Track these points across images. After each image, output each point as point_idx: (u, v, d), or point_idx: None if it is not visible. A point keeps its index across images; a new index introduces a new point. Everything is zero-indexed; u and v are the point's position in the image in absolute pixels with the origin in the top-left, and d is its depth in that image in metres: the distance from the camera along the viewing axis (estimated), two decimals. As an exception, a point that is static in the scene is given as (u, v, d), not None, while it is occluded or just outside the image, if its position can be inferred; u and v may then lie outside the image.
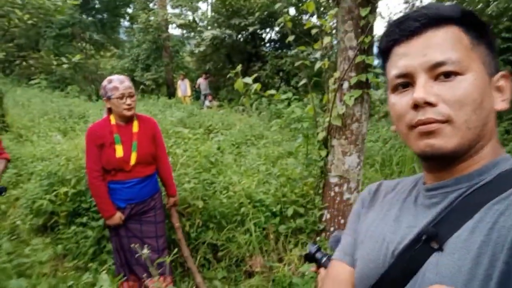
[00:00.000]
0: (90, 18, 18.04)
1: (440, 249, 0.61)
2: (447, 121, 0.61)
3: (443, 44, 0.63)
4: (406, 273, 0.65)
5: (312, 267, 1.25)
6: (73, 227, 3.14)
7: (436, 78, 0.63)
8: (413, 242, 0.66)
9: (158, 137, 2.51)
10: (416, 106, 0.63)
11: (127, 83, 2.29)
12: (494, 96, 0.65)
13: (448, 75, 0.62)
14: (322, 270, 1.18)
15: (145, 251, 1.51)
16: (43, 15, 6.01)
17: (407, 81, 0.66)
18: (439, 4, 0.66)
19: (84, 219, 3.19)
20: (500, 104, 0.65)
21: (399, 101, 0.67)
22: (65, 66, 6.68)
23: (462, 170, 0.66)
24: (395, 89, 0.69)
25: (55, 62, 6.82)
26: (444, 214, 0.64)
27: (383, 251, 0.71)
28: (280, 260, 2.84)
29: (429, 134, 0.62)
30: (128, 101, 2.26)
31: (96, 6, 18.76)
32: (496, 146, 0.67)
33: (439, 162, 0.67)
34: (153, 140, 2.45)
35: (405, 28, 0.66)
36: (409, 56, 0.65)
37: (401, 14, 0.70)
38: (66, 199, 3.31)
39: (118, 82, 2.26)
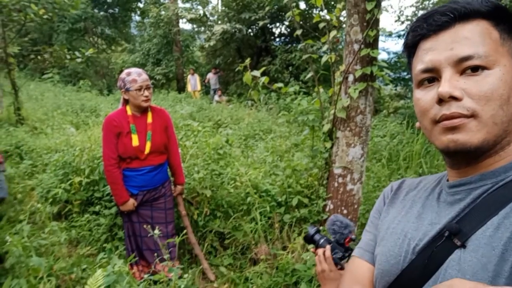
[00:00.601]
0: (102, 13, 18.25)
1: (463, 245, 0.60)
2: (472, 115, 0.60)
3: (471, 38, 0.61)
4: (427, 270, 0.64)
5: (311, 248, 1.33)
6: (86, 215, 3.28)
7: (462, 72, 0.62)
8: (435, 239, 0.65)
9: (170, 128, 2.63)
10: (441, 101, 0.62)
11: (145, 75, 2.41)
12: None
13: (475, 69, 0.61)
14: (319, 250, 1.26)
15: (156, 231, 1.61)
16: (58, 10, 6.16)
17: (433, 76, 0.65)
18: None
19: (97, 208, 3.32)
20: None
21: (424, 96, 0.66)
22: (78, 60, 6.81)
23: (487, 167, 0.64)
24: (420, 84, 0.67)
25: (68, 56, 6.96)
26: (468, 210, 0.63)
27: (405, 248, 0.70)
28: (284, 248, 2.92)
29: (454, 129, 0.61)
30: (146, 93, 2.38)
31: (108, 0, 18.95)
32: None
33: (463, 158, 0.65)
34: (166, 130, 2.58)
35: (432, 23, 0.65)
36: (436, 50, 0.64)
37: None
38: (80, 188, 3.44)
39: (136, 75, 2.37)
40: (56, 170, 3.63)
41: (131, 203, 2.44)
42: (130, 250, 2.60)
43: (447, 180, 0.72)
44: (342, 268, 1.17)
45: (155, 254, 2.37)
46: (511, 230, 0.56)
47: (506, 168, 0.62)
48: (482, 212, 0.60)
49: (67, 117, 7.66)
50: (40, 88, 11.42)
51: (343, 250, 1.21)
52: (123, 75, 2.41)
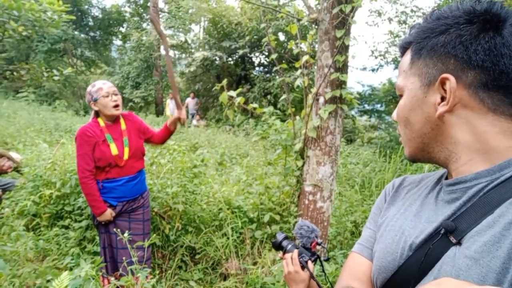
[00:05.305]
0: (83, 35, 18.31)
1: (459, 243, 0.62)
2: (400, 135, 0.75)
3: (400, 68, 0.73)
4: (424, 266, 0.65)
5: (279, 254, 1.38)
6: (55, 229, 3.21)
7: None
8: (432, 236, 0.67)
9: (143, 126, 2.66)
10: None
11: (110, 83, 2.49)
12: (436, 102, 0.66)
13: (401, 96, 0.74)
14: (287, 255, 1.32)
15: (126, 235, 1.63)
16: (38, 28, 6.18)
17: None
18: (414, 26, 0.72)
19: (67, 222, 3.26)
20: (440, 110, 0.66)
21: None
22: (56, 78, 6.78)
23: (463, 172, 0.67)
24: None
25: (45, 74, 6.92)
26: (464, 209, 0.64)
27: (401, 245, 0.72)
28: (255, 264, 2.95)
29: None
30: (114, 97, 2.43)
31: (90, 23, 19.08)
32: None
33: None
34: (139, 132, 2.61)
35: (399, 50, 0.77)
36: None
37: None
38: (50, 201, 3.38)
39: (101, 84, 2.45)
40: (25, 183, 3.57)
41: (109, 213, 2.43)
42: (105, 261, 2.56)
43: (446, 178, 0.74)
44: (308, 271, 1.23)
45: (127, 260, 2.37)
46: (505, 228, 0.57)
47: (501, 167, 0.63)
48: (478, 211, 0.62)
49: (40, 135, 7.52)
50: (13, 107, 11.17)
51: (309, 254, 1.27)
52: (88, 88, 2.48)
